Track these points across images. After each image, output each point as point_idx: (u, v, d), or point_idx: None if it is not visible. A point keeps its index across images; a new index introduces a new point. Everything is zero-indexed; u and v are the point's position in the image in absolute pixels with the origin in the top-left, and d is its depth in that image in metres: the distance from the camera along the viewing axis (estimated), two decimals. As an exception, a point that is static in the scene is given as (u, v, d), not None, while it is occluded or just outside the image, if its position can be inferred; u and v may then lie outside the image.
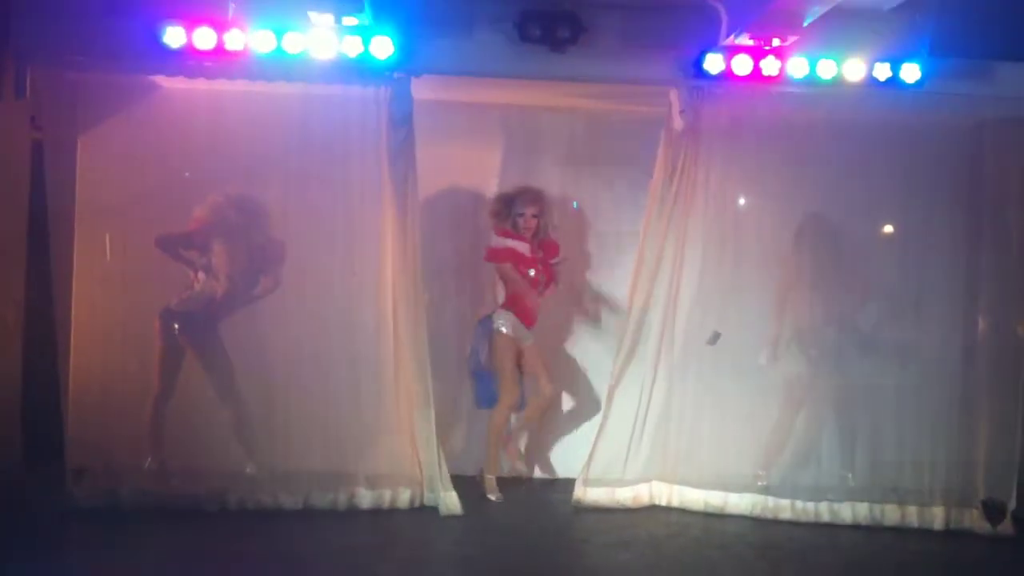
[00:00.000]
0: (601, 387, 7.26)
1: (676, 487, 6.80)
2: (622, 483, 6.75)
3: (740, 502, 6.71)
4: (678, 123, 6.52)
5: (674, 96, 6.52)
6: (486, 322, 6.99)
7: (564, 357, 7.56)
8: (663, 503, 6.82)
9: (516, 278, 6.92)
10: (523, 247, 6.92)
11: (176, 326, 6.55)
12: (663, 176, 6.57)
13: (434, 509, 6.53)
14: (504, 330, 6.92)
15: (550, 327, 7.34)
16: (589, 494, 6.70)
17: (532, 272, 6.93)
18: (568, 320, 7.59)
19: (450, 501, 6.48)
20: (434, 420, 6.49)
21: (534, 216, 6.93)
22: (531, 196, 6.96)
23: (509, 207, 6.96)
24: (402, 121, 6.33)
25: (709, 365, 6.72)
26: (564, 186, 7.43)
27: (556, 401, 7.07)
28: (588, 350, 7.59)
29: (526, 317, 6.96)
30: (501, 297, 7.07)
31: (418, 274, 6.46)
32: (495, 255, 6.96)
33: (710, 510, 6.73)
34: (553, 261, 7.05)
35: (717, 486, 6.74)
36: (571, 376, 7.56)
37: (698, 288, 6.67)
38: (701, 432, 6.75)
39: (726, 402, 6.76)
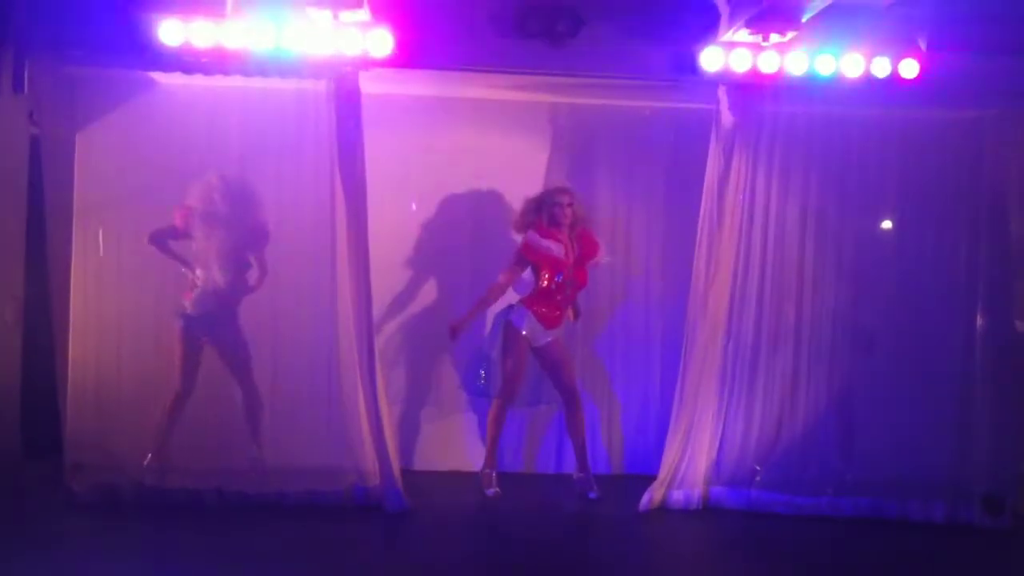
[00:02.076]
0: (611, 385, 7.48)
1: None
2: (688, 485, 6.68)
3: (738, 497, 6.70)
4: (727, 119, 6.52)
5: (722, 92, 6.51)
6: (504, 312, 6.93)
7: (591, 356, 7.60)
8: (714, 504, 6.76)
9: (544, 279, 6.84)
10: (558, 249, 6.81)
11: (201, 331, 6.56)
12: (716, 173, 6.55)
13: (428, 504, 6.53)
14: (517, 325, 6.84)
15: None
16: (665, 496, 6.64)
17: (560, 278, 6.82)
18: (594, 317, 7.59)
19: (396, 498, 6.41)
20: (386, 416, 6.46)
21: (569, 204, 6.82)
22: (562, 187, 6.89)
23: (540, 203, 6.82)
24: (349, 116, 6.30)
25: (766, 365, 6.71)
26: (573, 180, 7.36)
27: (576, 398, 6.97)
28: (614, 348, 7.65)
29: (546, 319, 6.86)
30: (527, 288, 6.97)
31: (368, 269, 6.42)
32: (530, 252, 6.82)
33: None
34: (591, 262, 6.97)
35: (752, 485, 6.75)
36: (590, 374, 7.58)
37: (759, 285, 6.66)
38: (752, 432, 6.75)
39: (779, 403, 6.77)
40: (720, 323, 6.58)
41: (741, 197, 6.59)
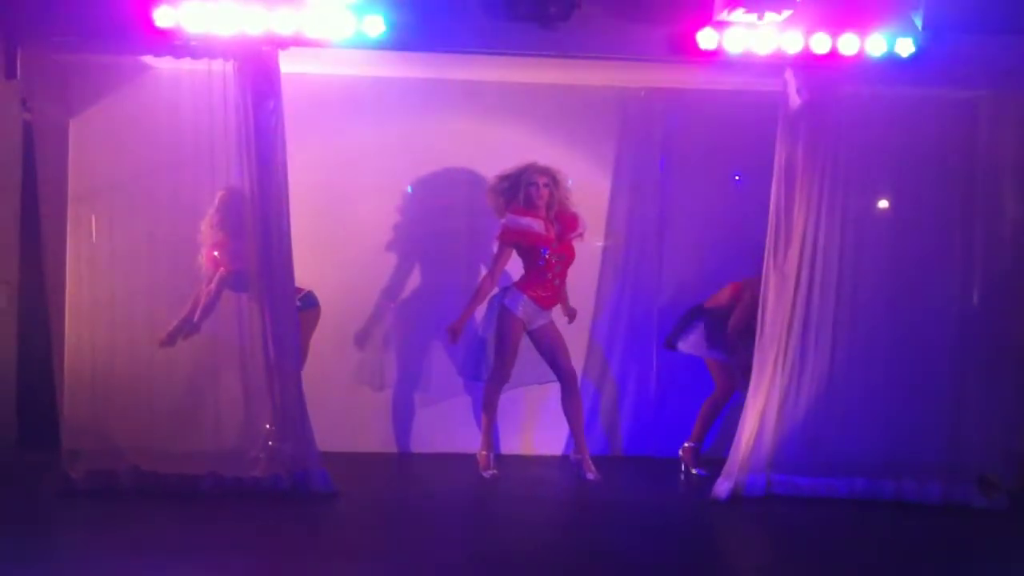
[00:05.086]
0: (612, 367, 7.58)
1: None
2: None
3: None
4: (795, 101, 6.46)
5: (789, 75, 6.45)
6: (499, 296, 6.92)
7: (588, 338, 7.61)
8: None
9: (530, 259, 6.85)
10: (538, 225, 6.80)
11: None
12: (784, 157, 6.48)
13: (425, 486, 6.54)
14: (512, 308, 6.84)
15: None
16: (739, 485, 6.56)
17: (546, 252, 6.82)
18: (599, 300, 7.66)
19: (320, 478, 6.40)
20: (302, 398, 6.44)
21: (546, 186, 6.80)
22: (539, 167, 6.84)
23: (517, 181, 6.81)
24: (267, 96, 6.25)
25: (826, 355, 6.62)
26: (565, 164, 7.21)
27: (574, 380, 6.98)
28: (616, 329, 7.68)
29: (542, 300, 6.87)
30: (519, 273, 6.96)
31: (290, 256, 6.38)
32: (509, 234, 6.80)
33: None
34: (572, 235, 6.93)
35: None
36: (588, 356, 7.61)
37: (823, 272, 6.57)
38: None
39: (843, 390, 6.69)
40: (789, 306, 6.51)
41: (812, 179, 6.51)
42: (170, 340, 6.54)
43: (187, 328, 6.57)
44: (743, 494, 6.54)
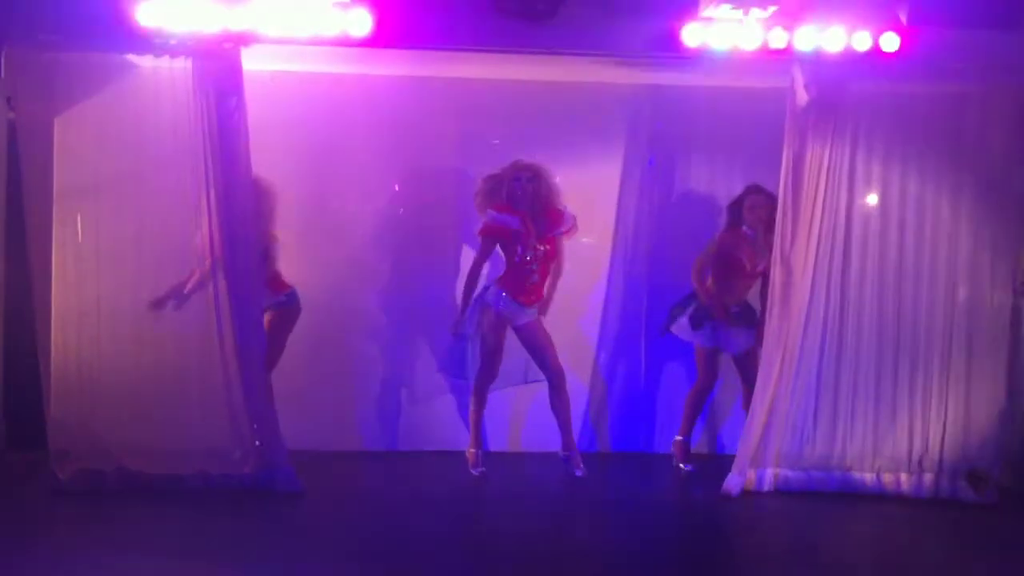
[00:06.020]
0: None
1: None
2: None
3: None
4: (802, 97, 6.45)
5: (796, 70, 6.44)
6: (480, 294, 6.91)
7: (576, 334, 7.60)
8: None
9: (508, 255, 6.86)
10: (516, 221, 6.78)
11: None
12: (792, 152, 6.47)
13: (413, 484, 6.54)
14: (492, 305, 6.85)
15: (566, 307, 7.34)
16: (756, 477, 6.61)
17: (522, 250, 6.82)
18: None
19: (286, 477, 6.41)
20: (269, 396, 6.51)
21: (529, 181, 6.81)
22: (522, 163, 6.85)
23: (500, 181, 6.84)
24: (229, 94, 6.25)
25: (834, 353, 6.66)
26: (552, 161, 7.19)
27: (561, 378, 6.97)
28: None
29: (521, 296, 6.86)
30: (502, 270, 6.97)
31: (253, 254, 6.40)
32: (487, 230, 6.82)
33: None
34: (557, 232, 6.92)
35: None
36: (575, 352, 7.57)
37: (821, 265, 6.57)
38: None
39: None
40: (796, 299, 6.51)
41: (819, 174, 6.51)
42: (159, 305, 6.47)
43: (176, 296, 6.49)
44: (752, 489, 6.57)
